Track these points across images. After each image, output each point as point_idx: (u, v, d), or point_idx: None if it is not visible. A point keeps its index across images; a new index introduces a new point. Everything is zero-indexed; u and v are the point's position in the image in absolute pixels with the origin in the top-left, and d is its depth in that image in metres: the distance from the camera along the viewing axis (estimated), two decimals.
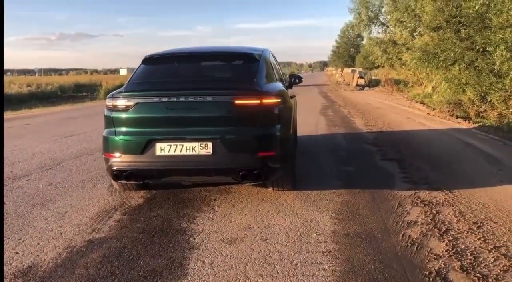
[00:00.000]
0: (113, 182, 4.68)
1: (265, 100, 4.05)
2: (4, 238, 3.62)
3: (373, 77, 34.37)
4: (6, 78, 48.13)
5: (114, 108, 4.19)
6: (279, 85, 4.84)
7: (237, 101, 3.98)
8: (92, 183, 5.32)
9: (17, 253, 3.34)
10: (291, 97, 5.60)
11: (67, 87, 32.55)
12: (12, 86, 27.82)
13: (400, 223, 3.89)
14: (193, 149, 4.01)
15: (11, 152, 7.36)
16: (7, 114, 15.76)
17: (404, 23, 20.16)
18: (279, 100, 4.28)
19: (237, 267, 3.06)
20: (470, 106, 12.08)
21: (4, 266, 3.11)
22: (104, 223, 3.94)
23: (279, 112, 4.24)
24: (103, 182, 5.32)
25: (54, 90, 29.90)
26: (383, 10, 24.40)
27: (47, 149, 7.68)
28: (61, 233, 3.72)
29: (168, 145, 4.04)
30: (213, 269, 3.04)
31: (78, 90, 33.41)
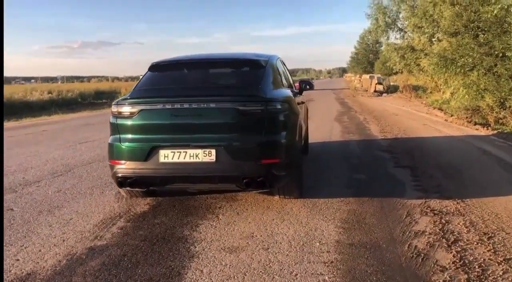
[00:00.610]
0: (120, 189, 4.68)
1: (269, 107, 4.01)
2: (8, 245, 3.64)
3: (391, 83, 34.00)
4: (30, 85, 49.19)
5: (119, 115, 4.20)
6: (286, 92, 4.78)
7: (241, 108, 3.94)
8: (101, 189, 5.34)
9: (18, 260, 3.35)
10: (300, 103, 5.54)
11: (87, 94, 33.07)
12: (33, 93, 28.37)
13: (407, 232, 3.78)
14: (196, 156, 3.98)
15: (25, 158, 7.46)
16: (27, 121, 16.07)
17: (422, 28, 19.95)
18: (285, 107, 4.23)
19: (235, 277, 3.00)
20: (489, 113, 11.81)
21: (4, 274, 3.11)
22: (107, 230, 3.94)
23: (284, 119, 4.19)
24: (111, 188, 5.33)
25: (75, 97, 30.42)
26: (400, 15, 24.22)
27: (60, 155, 7.77)
28: (64, 240, 3.72)
29: (171, 152, 4.02)
30: (211, 279, 2.99)
31: (98, 97, 33.91)
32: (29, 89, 31.74)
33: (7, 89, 30.66)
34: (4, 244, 3.64)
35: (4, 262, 3.29)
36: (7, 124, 15.00)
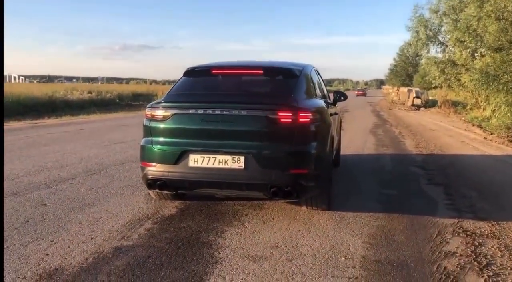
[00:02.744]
0: (149, 191, 4.75)
1: (300, 116, 3.98)
2: (39, 239, 3.74)
3: (430, 97, 33.31)
4: (71, 84, 50.81)
5: (152, 118, 4.27)
6: (319, 102, 4.74)
7: (271, 116, 3.93)
8: (131, 190, 5.43)
9: (47, 254, 3.43)
10: (333, 114, 5.48)
11: (125, 96, 33.86)
12: (74, 92, 29.28)
13: (437, 252, 3.66)
14: (225, 162, 4.00)
15: (61, 156, 7.68)
16: (66, 119, 16.58)
17: (465, 43, 19.47)
18: (316, 117, 4.19)
19: None
20: None
21: (33, 267, 3.20)
22: (134, 231, 3.99)
23: (315, 129, 4.15)
24: (141, 189, 5.41)
25: (113, 98, 31.20)
26: (442, 29, 23.72)
27: (95, 154, 7.96)
28: (92, 238, 3.79)
29: (201, 157, 4.05)
30: None
31: (135, 99, 34.65)
32: (70, 88, 32.81)
33: (49, 88, 31.77)
34: (36, 239, 3.75)
35: (34, 256, 3.38)
36: (47, 121, 15.53)
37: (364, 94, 71.66)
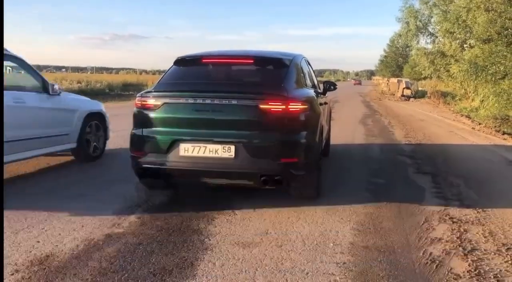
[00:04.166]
0: (140, 180, 4.76)
1: (290, 106, 4.01)
2: (30, 227, 3.75)
3: (419, 88, 33.50)
4: (61, 74, 50.26)
5: (142, 107, 4.27)
6: (308, 92, 4.78)
7: (262, 106, 3.96)
8: (122, 178, 5.44)
9: (38, 242, 3.45)
10: (322, 104, 5.52)
11: (115, 86, 33.50)
12: (63, 82, 28.98)
13: (424, 239, 3.74)
14: (216, 151, 4.03)
15: None
16: None
17: (454, 34, 19.61)
18: (306, 106, 4.22)
19: (247, 272, 3.03)
20: None
21: (24, 254, 3.22)
22: (125, 219, 4.02)
23: (305, 118, 4.19)
24: (132, 178, 5.39)
25: (102, 88, 30.87)
26: (432, 20, 23.81)
27: None
28: (83, 226, 3.81)
29: (192, 146, 4.07)
30: (223, 272, 3.02)
31: (125, 89, 34.33)
32: (59, 78, 32.48)
33: None
34: (26, 226, 3.76)
35: (25, 243, 3.40)
36: None
37: (360, 83, 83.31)
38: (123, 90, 33.52)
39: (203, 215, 4.17)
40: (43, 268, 3.00)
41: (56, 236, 3.58)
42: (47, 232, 3.65)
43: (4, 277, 2.81)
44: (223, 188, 4.96)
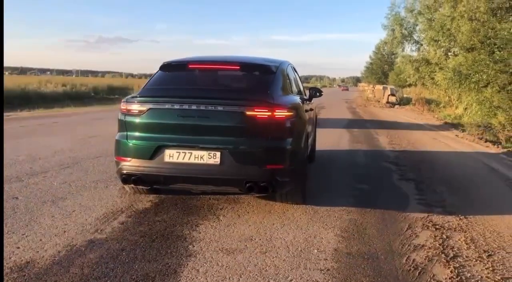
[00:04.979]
0: (124, 185, 4.72)
1: (276, 113, 4.01)
2: (10, 233, 3.69)
3: (404, 95, 33.88)
4: (45, 77, 49.71)
5: (127, 113, 4.24)
6: (294, 98, 4.79)
7: (247, 112, 3.96)
8: (105, 183, 5.39)
9: (18, 248, 3.39)
10: (308, 110, 5.54)
11: (101, 89, 33.33)
12: (48, 85, 28.68)
13: (407, 245, 3.76)
14: (201, 157, 4.01)
15: (34, 149, 7.55)
16: (39, 112, 16.25)
17: (439, 42, 19.87)
18: (292, 113, 4.22)
19: (231, 279, 3.01)
20: (501, 131, 11.72)
21: (4, 261, 3.15)
22: (108, 224, 3.97)
23: (291, 125, 4.19)
24: (115, 183, 5.37)
25: (88, 91, 30.70)
26: (417, 28, 24.12)
27: (69, 147, 7.85)
28: (65, 231, 3.76)
29: (177, 152, 4.05)
30: (206, 279, 3.00)
31: (111, 92, 34.15)
32: (43, 81, 32.09)
33: (22, 80, 31.07)
34: (6, 232, 3.69)
35: (5, 250, 3.33)
36: (20, 113, 15.20)
37: (347, 89, 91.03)
38: (109, 94, 33.34)
39: (187, 221, 4.14)
40: (23, 275, 2.95)
41: (37, 242, 3.52)
42: (27, 238, 3.59)
43: None
44: (207, 194, 4.95)
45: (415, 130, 13.71)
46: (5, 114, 14.52)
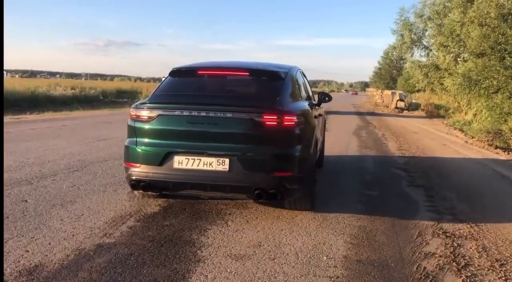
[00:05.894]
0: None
1: (285, 120, 3.99)
2: (19, 236, 3.69)
3: (413, 100, 33.74)
4: (54, 80, 50.11)
5: (137, 119, 4.24)
6: (303, 105, 4.76)
7: (257, 119, 3.95)
8: (114, 187, 5.39)
9: (27, 251, 3.39)
10: (317, 116, 5.52)
11: (109, 93, 33.49)
12: (57, 88, 28.86)
13: (417, 253, 3.72)
14: (210, 164, 4.00)
15: (43, 152, 7.58)
16: (48, 115, 16.35)
17: (448, 47, 19.73)
18: (301, 120, 4.20)
19: None
20: (511, 137, 11.59)
21: (13, 264, 3.16)
22: (116, 229, 3.97)
23: (300, 132, 4.17)
24: (124, 187, 5.37)
25: (96, 94, 30.83)
26: (427, 33, 23.99)
27: (78, 150, 7.88)
28: (73, 235, 3.76)
29: (186, 159, 4.04)
30: None
31: (120, 96, 34.30)
32: (53, 84, 32.32)
33: (32, 83, 31.31)
34: (16, 235, 3.70)
35: (14, 252, 3.34)
36: (29, 116, 15.30)
37: (356, 94, 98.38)
38: (117, 97, 33.50)
39: (195, 226, 4.13)
40: (31, 279, 2.95)
41: (46, 245, 3.52)
42: (36, 241, 3.59)
43: None
44: (216, 199, 4.93)
45: (424, 136, 13.61)
46: (15, 117, 14.63)
